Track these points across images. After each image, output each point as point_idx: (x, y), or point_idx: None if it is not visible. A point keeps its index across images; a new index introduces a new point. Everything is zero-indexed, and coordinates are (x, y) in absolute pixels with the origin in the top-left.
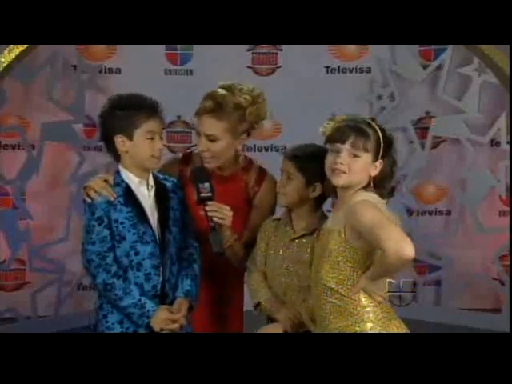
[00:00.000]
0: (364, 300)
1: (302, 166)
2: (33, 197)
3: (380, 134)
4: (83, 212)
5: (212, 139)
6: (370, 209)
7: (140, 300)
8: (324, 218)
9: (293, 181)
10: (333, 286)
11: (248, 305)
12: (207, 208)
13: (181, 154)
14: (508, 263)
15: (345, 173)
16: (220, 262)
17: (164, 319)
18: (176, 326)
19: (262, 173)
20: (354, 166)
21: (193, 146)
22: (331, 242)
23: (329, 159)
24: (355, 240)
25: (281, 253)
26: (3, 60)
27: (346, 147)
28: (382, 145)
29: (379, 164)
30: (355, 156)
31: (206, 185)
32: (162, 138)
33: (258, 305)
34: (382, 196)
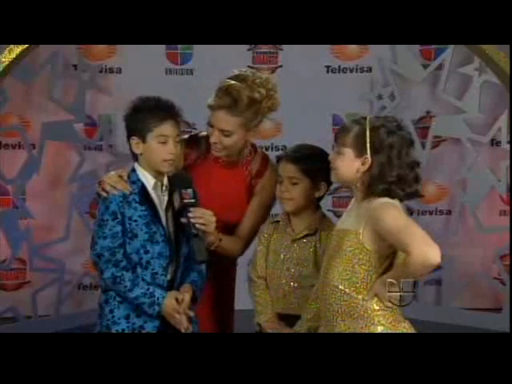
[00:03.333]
0: (375, 304)
1: (307, 168)
2: (33, 196)
3: (367, 129)
4: (84, 211)
5: (226, 134)
6: (394, 211)
7: (149, 289)
8: (324, 217)
9: (298, 185)
10: (344, 288)
11: (243, 305)
12: (190, 214)
13: (186, 136)
14: (508, 263)
15: (334, 169)
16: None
17: (173, 308)
18: (184, 319)
19: (265, 160)
20: (336, 163)
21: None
22: (346, 244)
23: None
24: (373, 242)
25: (282, 255)
26: (3, 60)
27: (335, 146)
28: (363, 139)
29: (366, 160)
30: (339, 153)
31: (189, 190)
32: (177, 142)
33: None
34: (392, 196)
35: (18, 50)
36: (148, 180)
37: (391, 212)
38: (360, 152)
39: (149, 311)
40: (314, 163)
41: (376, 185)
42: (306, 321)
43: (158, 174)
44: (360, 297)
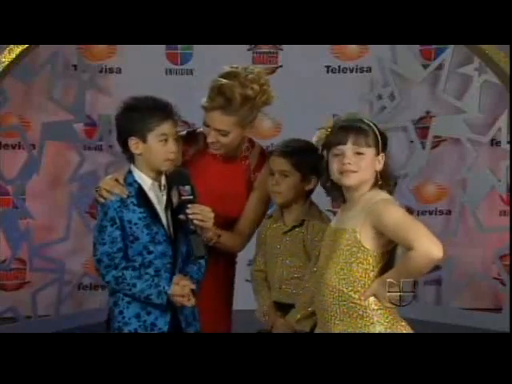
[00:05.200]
0: (374, 304)
1: (297, 162)
2: (33, 196)
3: (375, 129)
4: (83, 211)
5: (223, 134)
6: (395, 207)
7: (153, 280)
8: (313, 208)
9: (288, 178)
10: (343, 288)
11: (242, 305)
12: (188, 211)
13: (184, 132)
14: (508, 263)
15: (355, 172)
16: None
17: (179, 293)
18: (190, 301)
19: (263, 155)
20: (361, 164)
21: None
22: (343, 243)
23: (334, 163)
24: (371, 240)
25: (276, 247)
26: (3, 60)
27: (349, 147)
28: (379, 137)
29: (382, 158)
30: (360, 153)
31: (187, 187)
32: (175, 140)
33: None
34: (390, 192)
35: (18, 50)
36: (145, 181)
37: (393, 208)
38: (377, 150)
39: (157, 301)
40: (304, 157)
41: (391, 177)
42: (298, 310)
43: (155, 174)
44: (357, 296)
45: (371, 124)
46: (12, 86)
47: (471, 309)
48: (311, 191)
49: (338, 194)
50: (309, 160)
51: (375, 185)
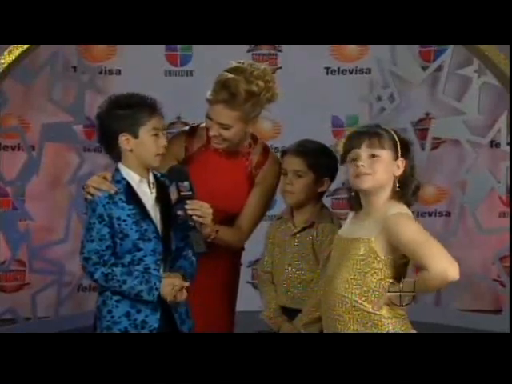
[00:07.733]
0: (387, 312)
1: (312, 163)
2: (33, 198)
3: (393, 133)
4: (83, 213)
5: (225, 128)
6: (411, 223)
7: (144, 276)
8: (324, 210)
9: (302, 178)
10: (355, 298)
11: (244, 306)
12: (187, 207)
13: (187, 128)
14: (508, 264)
15: (369, 175)
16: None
17: (171, 288)
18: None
19: (265, 151)
20: (375, 166)
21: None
22: (357, 253)
23: (350, 168)
24: (387, 253)
25: (284, 249)
26: (3, 61)
27: (363, 150)
28: (398, 142)
29: (401, 163)
30: (374, 156)
31: (186, 183)
32: (164, 135)
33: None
34: (408, 202)
35: (17, 51)
36: (133, 178)
37: (409, 224)
38: (396, 154)
39: (148, 298)
40: (318, 158)
41: (410, 185)
42: (305, 314)
43: (143, 171)
44: (371, 306)
45: (389, 129)
46: (12, 88)
47: (471, 310)
48: (323, 193)
49: (357, 201)
50: (323, 161)
51: (394, 192)
